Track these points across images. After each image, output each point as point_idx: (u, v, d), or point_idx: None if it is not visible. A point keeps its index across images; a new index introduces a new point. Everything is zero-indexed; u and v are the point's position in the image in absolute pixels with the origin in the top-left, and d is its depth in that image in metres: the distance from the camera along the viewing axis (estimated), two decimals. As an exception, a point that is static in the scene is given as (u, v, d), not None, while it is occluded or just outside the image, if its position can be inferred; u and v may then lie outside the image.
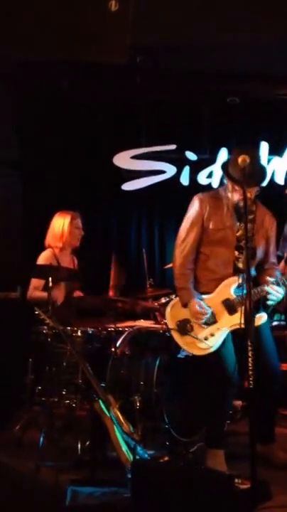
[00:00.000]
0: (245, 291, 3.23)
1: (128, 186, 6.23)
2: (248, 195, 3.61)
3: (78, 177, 6.12)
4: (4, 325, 4.84)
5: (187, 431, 4.03)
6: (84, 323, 4.37)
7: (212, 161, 6.25)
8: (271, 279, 3.71)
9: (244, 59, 5.51)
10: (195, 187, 6.19)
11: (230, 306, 3.71)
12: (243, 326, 3.17)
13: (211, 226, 3.77)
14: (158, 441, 4.06)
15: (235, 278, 3.73)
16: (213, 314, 3.72)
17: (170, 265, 5.46)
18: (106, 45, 4.72)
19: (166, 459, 3.83)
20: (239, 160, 3.36)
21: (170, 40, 5.18)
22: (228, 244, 3.75)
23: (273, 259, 3.96)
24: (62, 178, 6.04)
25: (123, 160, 6.21)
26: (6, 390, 4.52)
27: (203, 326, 3.70)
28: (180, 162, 6.25)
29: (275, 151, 6.19)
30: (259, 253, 3.82)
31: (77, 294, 4.69)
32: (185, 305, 3.77)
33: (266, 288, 3.69)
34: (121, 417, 3.76)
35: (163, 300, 4.98)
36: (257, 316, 3.69)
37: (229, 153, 6.14)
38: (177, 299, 3.85)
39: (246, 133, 6.18)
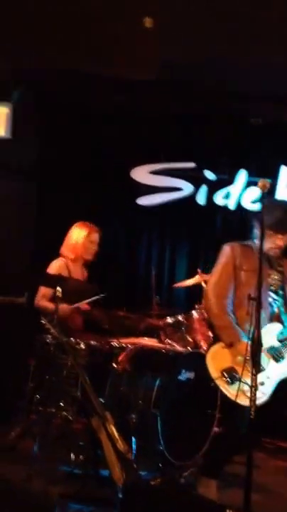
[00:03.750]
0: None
1: (144, 201, 6.21)
2: (280, 242, 3.74)
3: (93, 188, 6.10)
4: (9, 329, 4.84)
5: (181, 455, 4.01)
6: (88, 337, 4.36)
7: (230, 182, 6.21)
8: None
9: (269, 80, 5.50)
10: (211, 207, 6.18)
11: (276, 354, 3.62)
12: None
13: (243, 270, 3.73)
14: (151, 462, 4.02)
15: (277, 325, 3.68)
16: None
17: (179, 284, 5.50)
18: (138, 61, 4.76)
19: (158, 481, 3.79)
20: (259, 184, 3.35)
21: (196, 57, 5.19)
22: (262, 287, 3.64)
23: None
24: (76, 187, 6.04)
25: (141, 174, 6.19)
26: (6, 394, 4.51)
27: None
28: (197, 181, 6.22)
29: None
30: None
31: (83, 306, 4.68)
32: (230, 345, 3.59)
33: None
34: (116, 435, 3.74)
35: (169, 319, 4.97)
36: None
37: (249, 175, 6.14)
38: (216, 346, 3.67)
39: (267, 156, 6.15)
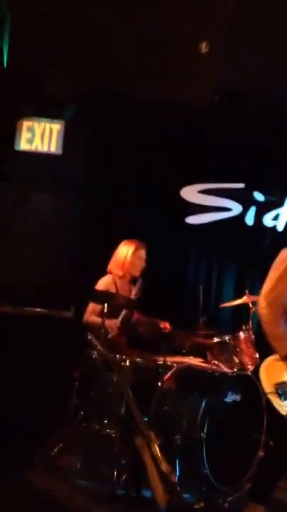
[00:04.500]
0: None
1: (192, 220, 6.21)
2: None
3: (143, 205, 6.12)
4: (55, 343, 4.85)
5: (226, 479, 3.92)
6: (134, 354, 4.33)
7: (279, 203, 6.17)
8: None
9: None
10: (259, 228, 6.13)
11: None
12: None
13: None
14: (195, 485, 3.94)
15: None
16: None
17: (226, 304, 5.44)
18: (195, 84, 4.80)
19: (201, 505, 3.72)
20: None
21: (250, 83, 5.19)
22: None
23: None
24: (126, 205, 6.06)
25: (191, 193, 6.20)
26: (50, 409, 4.50)
27: None
28: (247, 202, 6.20)
29: None
30: None
31: (137, 316, 4.68)
32: (285, 357, 3.42)
33: None
34: (160, 455, 3.68)
35: (216, 339, 4.90)
36: None
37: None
38: (272, 357, 3.50)
39: None
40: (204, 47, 4.57)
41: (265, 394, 3.42)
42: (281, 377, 3.42)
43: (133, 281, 4.85)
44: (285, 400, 3.35)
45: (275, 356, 3.48)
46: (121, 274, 4.74)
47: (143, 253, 4.83)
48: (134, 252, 4.77)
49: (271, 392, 3.37)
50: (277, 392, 3.37)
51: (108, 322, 4.29)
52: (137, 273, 4.80)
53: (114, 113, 5.79)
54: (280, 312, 3.47)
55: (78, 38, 4.93)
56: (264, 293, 3.54)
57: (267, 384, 3.43)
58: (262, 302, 3.53)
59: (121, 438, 3.89)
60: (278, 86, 5.24)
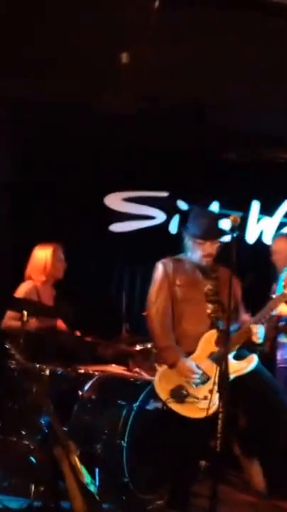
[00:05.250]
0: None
1: (116, 228, 6.21)
2: (211, 250, 3.79)
3: (66, 212, 6.05)
4: None
5: (146, 487, 3.90)
6: (54, 363, 4.25)
7: (202, 212, 6.24)
8: (251, 319, 3.72)
9: (248, 118, 5.60)
10: (182, 236, 6.17)
11: (217, 359, 3.60)
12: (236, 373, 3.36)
13: (177, 286, 3.80)
14: (115, 494, 3.90)
15: (213, 331, 3.70)
16: (204, 372, 3.63)
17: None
18: (119, 92, 4.82)
19: (121, 514, 3.69)
20: (231, 218, 3.40)
21: (174, 91, 5.25)
22: (197, 301, 3.77)
23: (244, 316, 3.93)
24: (50, 211, 5.98)
25: (115, 201, 6.21)
26: None
27: (198, 386, 3.58)
28: (170, 210, 6.26)
29: (266, 211, 6.21)
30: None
31: (59, 324, 4.60)
32: (171, 365, 3.66)
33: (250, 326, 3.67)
34: (79, 465, 3.61)
35: (138, 347, 4.89)
36: (248, 358, 3.66)
37: (221, 207, 6.19)
38: (164, 367, 3.72)
39: (239, 190, 6.19)
40: (125, 57, 4.60)
41: (164, 403, 3.61)
42: (174, 383, 3.61)
43: (55, 284, 4.79)
44: (182, 402, 3.45)
45: (165, 366, 3.70)
46: (43, 279, 4.65)
47: (61, 253, 4.77)
48: (53, 254, 4.70)
49: (168, 399, 3.58)
50: (173, 398, 3.50)
51: (28, 329, 4.19)
52: (60, 275, 4.74)
53: (39, 118, 5.71)
54: (168, 321, 3.64)
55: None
56: (150, 306, 3.81)
57: (163, 393, 3.64)
58: (150, 314, 3.71)
59: (39, 449, 3.81)
60: (204, 95, 5.32)
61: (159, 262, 3.94)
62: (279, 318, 4.53)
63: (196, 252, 3.81)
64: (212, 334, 3.70)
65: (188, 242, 3.86)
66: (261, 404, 3.69)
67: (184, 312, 3.76)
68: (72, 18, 4.43)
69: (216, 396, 3.33)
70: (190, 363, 3.61)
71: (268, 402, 3.70)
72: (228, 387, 3.15)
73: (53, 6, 4.33)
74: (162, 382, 3.68)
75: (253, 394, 3.67)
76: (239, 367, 3.63)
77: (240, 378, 3.59)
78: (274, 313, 3.94)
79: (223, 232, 3.86)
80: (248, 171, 6.20)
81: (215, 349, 3.66)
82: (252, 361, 3.66)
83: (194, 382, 3.58)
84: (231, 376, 3.49)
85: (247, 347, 3.74)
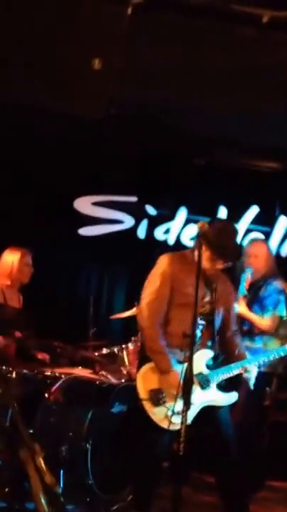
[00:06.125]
0: (221, 366, 3.56)
1: (85, 231, 6.24)
2: (219, 267, 3.65)
3: (35, 215, 6.06)
4: None
5: (110, 488, 3.95)
6: (20, 365, 4.27)
7: (170, 217, 6.33)
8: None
9: (215, 124, 5.65)
10: (150, 241, 6.26)
11: (203, 381, 3.57)
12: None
13: (178, 288, 3.61)
14: (79, 496, 3.94)
15: (208, 351, 3.64)
16: None
17: (116, 316, 5.48)
18: (90, 96, 4.85)
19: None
20: (199, 224, 3.39)
21: (143, 96, 5.30)
22: (190, 307, 3.43)
23: (234, 327, 3.88)
24: (18, 215, 5.99)
25: (84, 205, 6.25)
26: None
27: (176, 400, 3.38)
28: (139, 215, 6.32)
29: (232, 217, 6.30)
30: (217, 322, 3.73)
31: (17, 334, 4.60)
32: (162, 372, 3.54)
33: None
34: (44, 467, 3.64)
35: (104, 351, 4.93)
36: (230, 394, 3.64)
37: (188, 212, 6.28)
38: (148, 365, 3.60)
39: (207, 195, 6.28)
40: (97, 63, 4.63)
41: (139, 400, 3.52)
42: (156, 384, 3.54)
43: (21, 289, 4.80)
44: (157, 406, 3.47)
45: (152, 364, 3.60)
46: (9, 283, 4.66)
47: (29, 259, 4.76)
48: (21, 258, 4.69)
49: (144, 399, 3.51)
50: (150, 399, 3.48)
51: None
52: (26, 280, 4.75)
53: (7, 120, 5.71)
54: (161, 317, 3.60)
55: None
56: (145, 298, 3.66)
57: (142, 390, 3.56)
58: (145, 309, 3.64)
59: (4, 450, 3.83)
60: (172, 100, 5.38)
61: (165, 255, 3.72)
62: (242, 321, 4.59)
63: (209, 263, 3.60)
64: (203, 354, 3.63)
65: (205, 251, 3.52)
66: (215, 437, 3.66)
67: (176, 316, 3.60)
68: (44, 23, 4.45)
69: (188, 417, 3.22)
70: (178, 378, 3.30)
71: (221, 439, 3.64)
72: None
73: (26, 10, 4.34)
74: (144, 380, 3.58)
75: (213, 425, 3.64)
76: (218, 397, 3.61)
77: (212, 407, 3.59)
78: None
79: (241, 253, 3.86)
80: (216, 176, 6.31)
81: (204, 370, 3.60)
82: (232, 399, 3.65)
83: (174, 396, 3.40)
84: (207, 403, 3.54)
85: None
